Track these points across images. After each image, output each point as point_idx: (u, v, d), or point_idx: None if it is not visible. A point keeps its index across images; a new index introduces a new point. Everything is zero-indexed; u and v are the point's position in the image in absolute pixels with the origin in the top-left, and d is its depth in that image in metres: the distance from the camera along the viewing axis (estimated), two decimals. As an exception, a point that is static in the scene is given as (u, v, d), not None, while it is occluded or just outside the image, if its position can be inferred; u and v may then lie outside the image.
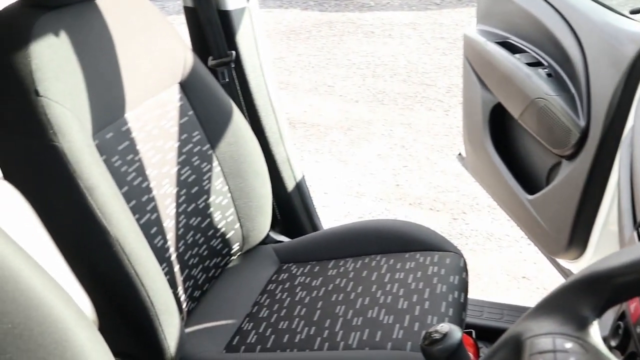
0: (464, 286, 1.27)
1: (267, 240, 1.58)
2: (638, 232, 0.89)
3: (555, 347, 0.49)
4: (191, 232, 1.34)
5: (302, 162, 3.47)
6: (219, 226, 1.41)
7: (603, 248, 1.42)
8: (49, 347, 0.80)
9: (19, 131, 1.06)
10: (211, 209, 1.39)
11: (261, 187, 1.48)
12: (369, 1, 6.41)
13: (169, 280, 1.23)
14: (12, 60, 1.05)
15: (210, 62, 1.62)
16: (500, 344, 0.56)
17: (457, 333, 0.79)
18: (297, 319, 1.26)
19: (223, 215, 1.42)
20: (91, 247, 1.07)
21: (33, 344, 0.80)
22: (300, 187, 1.82)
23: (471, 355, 0.99)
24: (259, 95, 1.68)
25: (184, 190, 1.33)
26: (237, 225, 1.45)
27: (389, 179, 3.18)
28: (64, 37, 1.12)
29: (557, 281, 2.12)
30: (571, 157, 1.40)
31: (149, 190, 1.24)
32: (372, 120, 3.87)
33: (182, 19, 1.70)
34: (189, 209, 1.34)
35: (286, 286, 1.39)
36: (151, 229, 1.22)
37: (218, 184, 1.41)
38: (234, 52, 1.62)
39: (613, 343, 0.71)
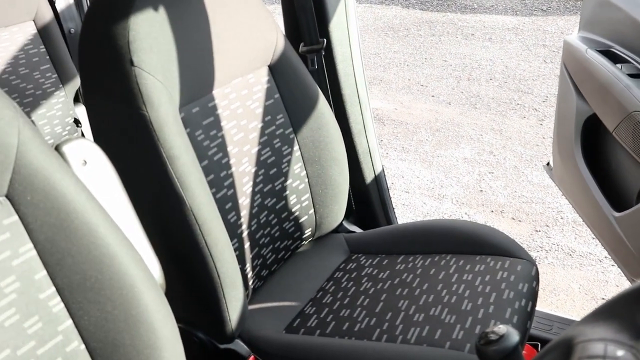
0: (532, 295, 1.23)
1: (339, 229, 1.59)
2: None
3: (606, 353, 0.47)
4: (265, 212, 1.36)
5: (386, 159, 3.46)
6: (293, 210, 1.43)
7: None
8: (116, 302, 0.84)
9: (111, 97, 1.11)
10: (287, 192, 1.41)
11: (339, 176, 1.48)
12: (472, 3, 6.29)
13: (238, 256, 1.26)
14: (111, 30, 1.10)
15: (302, 48, 1.64)
16: (552, 346, 0.55)
17: (514, 336, 0.77)
18: (359, 309, 1.26)
19: (298, 199, 1.44)
20: (166, 214, 1.11)
21: (102, 297, 0.84)
22: (378, 180, 1.81)
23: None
24: (347, 84, 1.69)
25: (262, 171, 1.36)
26: (312, 211, 1.47)
27: (472, 184, 3.12)
28: (162, 11, 1.16)
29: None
30: (665, 176, 1.34)
31: (228, 166, 1.27)
32: (462, 124, 3.81)
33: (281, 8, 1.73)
34: (265, 190, 1.36)
35: (353, 275, 1.39)
36: (226, 204, 1.25)
37: (297, 168, 1.43)
38: (325, 40, 1.63)
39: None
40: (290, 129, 1.42)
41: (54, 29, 2.29)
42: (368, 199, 1.82)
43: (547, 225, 2.72)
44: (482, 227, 1.42)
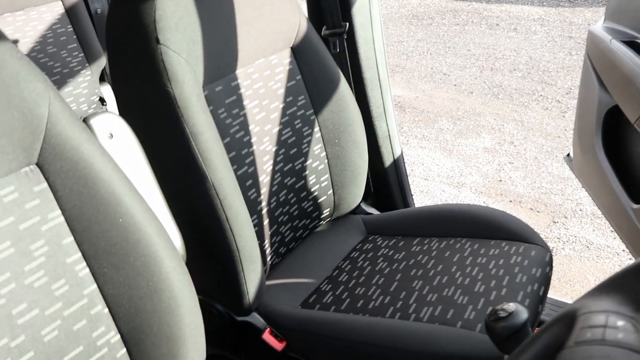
0: (545, 281, 1.25)
1: (357, 210, 1.61)
2: None
3: (607, 323, 0.49)
4: (284, 191, 1.39)
5: (406, 146, 3.47)
6: (312, 190, 1.45)
7: None
8: (139, 269, 0.88)
9: (137, 75, 1.14)
10: (307, 172, 1.44)
11: (358, 158, 1.50)
12: (499, -7, 6.24)
13: (257, 233, 1.29)
14: (137, 9, 1.12)
15: (324, 31, 1.66)
16: (556, 319, 0.57)
17: (523, 314, 0.79)
18: (374, 287, 1.28)
19: (317, 179, 1.46)
20: (189, 188, 1.14)
21: (125, 263, 0.87)
22: (397, 163, 1.83)
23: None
24: (368, 68, 1.71)
25: (283, 150, 1.38)
26: (330, 191, 1.49)
27: (492, 174, 3.12)
28: (188, -10, 1.18)
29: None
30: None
31: (249, 144, 1.29)
32: (483, 113, 3.80)
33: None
34: (285, 169, 1.39)
35: (369, 256, 1.42)
36: (247, 181, 1.28)
37: (317, 149, 1.45)
38: (347, 24, 1.65)
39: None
40: (311, 111, 1.44)
41: (81, 9, 2.33)
42: (386, 181, 1.84)
43: (566, 217, 2.72)
44: (498, 213, 1.44)
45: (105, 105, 2.40)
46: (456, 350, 1.06)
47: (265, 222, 1.33)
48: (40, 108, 0.82)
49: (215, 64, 1.23)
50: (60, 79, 2.25)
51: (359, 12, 1.66)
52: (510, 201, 2.87)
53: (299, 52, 1.43)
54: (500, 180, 3.05)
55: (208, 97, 1.22)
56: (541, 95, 3.99)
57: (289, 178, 1.40)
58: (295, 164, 1.41)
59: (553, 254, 2.47)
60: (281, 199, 1.38)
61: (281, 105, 1.39)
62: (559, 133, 3.49)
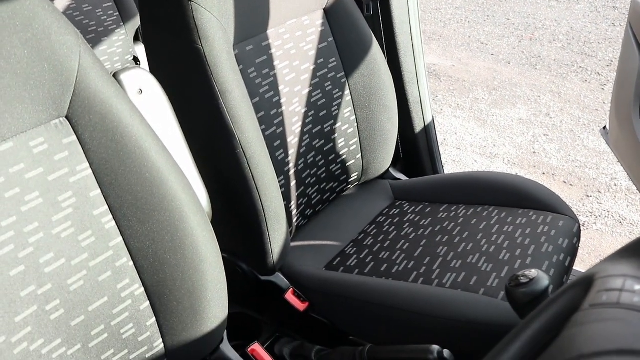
0: (572, 252, 1.23)
1: (385, 175, 1.61)
2: None
3: (624, 287, 0.48)
4: (312, 153, 1.39)
5: (440, 114, 3.43)
6: (340, 153, 1.45)
7: None
8: (164, 224, 0.89)
9: (168, 31, 1.14)
10: (335, 135, 1.43)
11: (387, 122, 1.49)
12: (542, -39, 6.08)
13: (283, 193, 1.29)
14: None
15: (358, -7, 1.63)
16: (574, 283, 0.56)
17: (544, 280, 0.79)
18: (398, 252, 1.28)
19: (346, 143, 1.46)
20: (216, 146, 1.15)
21: (151, 217, 0.88)
22: (428, 130, 1.81)
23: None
24: (401, 32, 1.68)
25: (312, 112, 1.38)
26: (359, 155, 1.49)
27: (526, 145, 3.07)
28: (220, -52, 1.18)
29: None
30: None
31: (278, 105, 1.29)
32: (520, 84, 3.73)
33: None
34: (314, 131, 1.39)
35: (395, 221, 1.42)
36: (275, 141, 1.28)
37: (346, 112, 1.44)
38: (382, -14, 1.62)
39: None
40: (342, 73, 1.43)
41: (117, -34, 2.34)
42: (416, 147, 1.83)
43: (599, 191, 2.68)
44: (528, 182, 1.42)
45: (139, 64, 2.42)
46: (478, 316, 1.06)
47: (292, 183, 1.34)
48: (70, 62, 0.83)
49: (246, 23, 1.23)
50: (95, 37, 2.27)
51: (394, -26, 1.63)
52: (543, 173, 2.83)
53: (331, 13, 1.42)
54: (534, 152, 3.01)
55: (238, 56, 1.21)
56: (580, 67, 3.90)
57: (317, 140, 1.40)
58: (325, 126, 1.41)
59: (584, 228, 2.44)
60: (309, 161, 1.38)
61: (312, 67, 1.38)
62: (597, 106, 3.42)
